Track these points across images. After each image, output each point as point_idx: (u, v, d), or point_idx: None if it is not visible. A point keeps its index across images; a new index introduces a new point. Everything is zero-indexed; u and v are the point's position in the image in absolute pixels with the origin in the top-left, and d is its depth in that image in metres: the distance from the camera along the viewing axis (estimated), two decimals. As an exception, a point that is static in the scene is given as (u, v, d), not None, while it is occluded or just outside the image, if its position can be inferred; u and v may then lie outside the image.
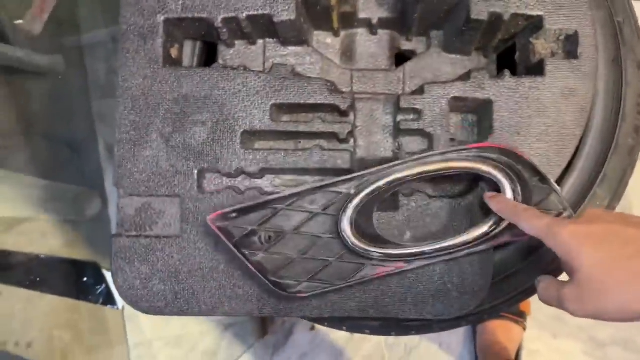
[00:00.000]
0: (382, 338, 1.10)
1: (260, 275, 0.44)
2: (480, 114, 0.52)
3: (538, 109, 0.49)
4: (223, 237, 0.44)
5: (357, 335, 1.10)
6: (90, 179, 1.19)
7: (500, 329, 1.00)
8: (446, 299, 0.48)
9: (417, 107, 0.49)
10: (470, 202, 0.49)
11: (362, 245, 0.44)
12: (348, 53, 0.57)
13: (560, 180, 0.51)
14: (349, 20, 0.55)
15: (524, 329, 1.02)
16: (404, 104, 0.50)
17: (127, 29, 0.51)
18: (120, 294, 0.49)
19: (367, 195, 0.45)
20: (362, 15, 0.55)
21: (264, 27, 0.53)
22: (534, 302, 1.03)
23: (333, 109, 0.51)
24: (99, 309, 1.18)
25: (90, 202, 1.18)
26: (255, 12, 0.50)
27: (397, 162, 0.45)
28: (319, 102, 0.50)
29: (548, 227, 0.40)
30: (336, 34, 0.57)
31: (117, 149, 0.50)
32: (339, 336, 1.10)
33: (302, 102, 0.50)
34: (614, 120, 0.52)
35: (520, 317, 1.01)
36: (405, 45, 0.58)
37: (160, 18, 0.51)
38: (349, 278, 0.45)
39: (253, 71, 0.51)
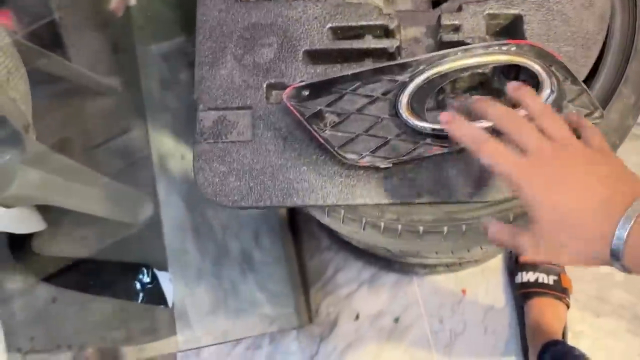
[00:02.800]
0: (426, 325, 1.11)
1: (328, 146, 0.50)
2: (512, 32, 0.59)
3: (563, 19, 0.56)
4: (296, 112, 0.51)
5: (401, 324, 1.11)
6: (143, 186, 1.27)
7: (546, 307, 1.01)
8: (493, 181, 0.53)
9: (456, 22, 0.57)
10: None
11: (418, 122, 0.50)
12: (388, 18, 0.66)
13: (587, 82, 0.56)
14: (390, -32, 0.64)
15: (568, 306, 1.03)
16: (444, 20, 0.57)
17: (202, -23, 0.61)
18: (202, 190, 0.55)
19: (420, 83, 0.51)
20: (402, -38, 0.64)
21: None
22: (575, 281, 1.05)
23: (382, 29, 0.58)
24: (150, 308, 1.23)
25: (143, 206, 1.25)
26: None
27: (445, 51, 0.52)
28: (369, 23, 0.58)
29: (511, 174, 0.41)
30: (379, -19, 0.66)
31: (197, 70, 0.58)
32: (383, 324, 1.12)
33: (354, 24, 0.58)
34: (632, 28, 0.58)
35: (563, 293, 1.02)
36: (441, -7, 0.66)
37: (233, -37, 0.60)
38: (405, 154, 0.51)
39: (312, 0, 0.59)
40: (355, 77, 0.52)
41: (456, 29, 0.57)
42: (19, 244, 1.27)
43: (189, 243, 1.24)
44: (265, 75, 0.57)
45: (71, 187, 1.05)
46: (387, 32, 0.58)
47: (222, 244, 1.22)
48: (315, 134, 0.51)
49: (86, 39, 1.25)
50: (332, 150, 0.51)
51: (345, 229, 0.63)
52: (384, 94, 0.52)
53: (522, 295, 1.05)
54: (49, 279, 1.28)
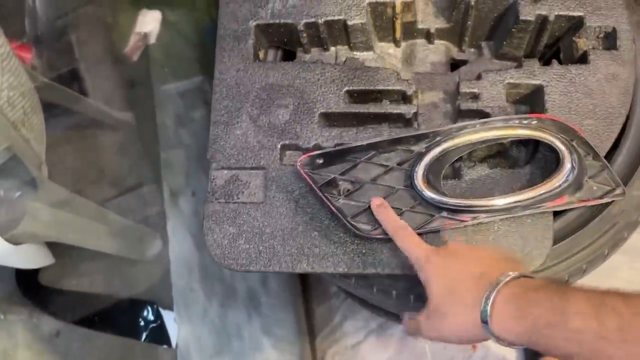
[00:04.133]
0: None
1: (340, 215, 0.49)
2: (532, 101, 0.58)
3: (585, 92, 0.55)
4: (309, 180, 0.50)
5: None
6: (153, 222, 1.27)
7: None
8: (510, 258, 0.51)
9: (475, 90, 0.56)
10: (531, 171, 0.53)
11: (434, 195, 0.49)
12: (408, 60, 0.65)
13: (609, 157, 0.55)
14: (410, 30, 0.64)
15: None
16: (463, 88, 0.56)
17: (223, 33, 0.61)
18: (210, 252, 0.54)
19: (436, 155, 0.50)
20: (421, 25, 0.63)
21: (337, 33, 0.62)
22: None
23: (399, 94, 0.58)
24: (154, 347, 1.21)
25: (152, 243, 1.24)
26: (332, 18, 0.59)
27: (463, 123, 0.51)
28: (387, 87, 0.57)
29: (417, 258, 0.46)
30: (398, 44, 0.65)
31: (212, 128, 0.58)
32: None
33: (372, 88, 0.57)
34: (656, 102, 0.57)
35: None
36: (459, 56, 0.66)
37: (252, 23, 0.60)
38: (419, 227, 0.49)
39: (330, 63, 0.59)
40: (371, 146, 0.51)
41: (475, 97, 0.56)
42: (26, 276, 1.27)
43: (196, 282, 1.22)
44: (280, 136, 0.56)
45: (80, 224, 1.05)
46: (404, 97, 0.58)
47: (229, 284, 1.21)
48: (328, 202, 0.50)
49: (103, 73, 1.26)
50: (344, 220, 0.50)
51: (357, 292, 0.61)
52: (399, 164, 0.51)
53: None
54: (54, 312, 1.27)
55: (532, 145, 0.55)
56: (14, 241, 0.94)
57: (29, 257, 1.04)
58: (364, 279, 0.57)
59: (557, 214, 0.53)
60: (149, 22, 1.25)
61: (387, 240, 0.51)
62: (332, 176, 0.51)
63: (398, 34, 0.64)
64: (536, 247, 0.51)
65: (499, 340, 0.42)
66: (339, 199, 0.50)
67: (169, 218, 1.29)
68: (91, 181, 1.32)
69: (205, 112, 1.31)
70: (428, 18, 0.63)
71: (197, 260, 1.25)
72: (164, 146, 1.32)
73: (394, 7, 0.60)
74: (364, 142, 0.51)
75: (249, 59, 0.59)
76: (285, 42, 0.63)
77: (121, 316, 1.25)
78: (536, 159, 0.54)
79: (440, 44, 0.65)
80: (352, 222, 0.49)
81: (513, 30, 0.59)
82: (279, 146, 0.56)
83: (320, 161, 0.51)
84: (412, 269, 0.47)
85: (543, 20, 0.58)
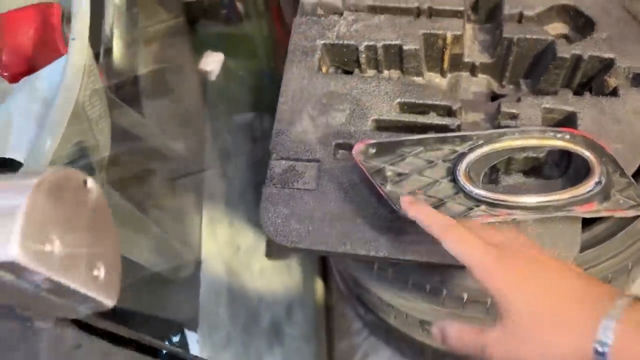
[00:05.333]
0: None
1: (388, 199, 0.55)
2: (565, 126, 0.64)
3: (614, 120, 0.61)
4: (361, 166, 0.56)
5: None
6: (189, 245, 1.32)
7: None
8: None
9: (514, 111, 0.63)
10: (563, 184, 0.58)
11: (474, 189, 0.54)
12: (452, 90, 0.73)
13: (635, 178, 0.60)
14: (456, 62, 0.72)
15: None
16: (504, 107, 0.63)
17: (294, 48, 0.70)
18: (265, 229, 0.60)
19: (477, 156, 0.56)
20: (467, 59, 0.71)
21: (392, 57, 0.70)
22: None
23: (445, 109, 0.64)
24: (173, 368, 1.22)
25: (186, 264, 1.29)
26: (390, 42, 0.68)
27: (503, 130, 0.57)
28: (434, 102, 0.64)
29: (481, 261, 0.39)
30: (444, 74, 0.73)
31: (276, 125, 0.65)
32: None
33: (421, 102, 0.64)
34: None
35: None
36: (499, 90, 0.73)
37: (320, 42, 0.69)
38: (460, 217, 0.54)
39: (385, 78, 0.67)
40: (419, 142, 0.57)
41: (514, 117, 0.63)
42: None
43: (222, 307, 1.25)
44: (335, 135, 0.63)
45: (125, 231, 1.11)
46: (449, 112, 0.64)
47: (254, 312, 1.23)
48: (378, 187, 0.56)
49: (162, 101, 1.37)
50: (391, 203, 0.55)
51: (392, 290, 0.65)
52: (444, 161, 0.57)
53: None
54: (78, 324, 1.30)
55: (565, 163, 0.61)
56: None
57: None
58: (401, 272, 0.61)
59: (584, 226, 0.57)
60: (211, 62, 1.38)
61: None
62: (382, 165, 0.57)
63: (446, 65, 0.72)
64: (564, 251, 0.55)
65: None
66: (387, 185, 0.56)
67: (205, 244, 1.34)
68: (137, 200, 1.39)
69: (251, 147, 1.40)
70: (474, 53, 0.71)
71: (226, 287, 1.29)
72: (209, 176, 1.41)
73: (444, 39, 0.68)
74: (414, 137, 0.57)
75: (314, 70, 0.68)
76: (345, 62, 0.72)
77: (145, 334, 1.27)
78: (568, 175, 0.59)
79: (482, 78, 0.73)
80: (398, 208, 0.54)
81: (550, 67, 0.67)
82: (334, 144, 0.63)
83: (373, 150, 0.57)
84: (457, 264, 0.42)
85: (578, 59, 0.65)
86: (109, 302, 0.28)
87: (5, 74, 1.14)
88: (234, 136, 1.40)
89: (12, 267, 0.21)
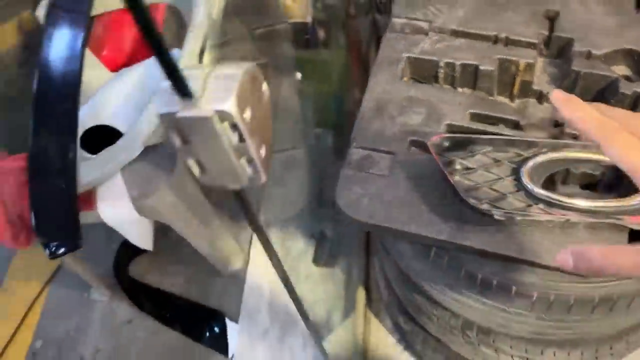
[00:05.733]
0: None
1: (456, 187, 0.62)
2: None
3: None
4: (435, 156, 0.64)
5: None
6: (241, 242, 1.40)
7: None
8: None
9: (576, 132, 0.69)
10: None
11: (535, 187, 0.61)
12: (520, 112, 0.80)
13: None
14: (525, 89, 0.79)
15: None
16: (567, 129, 0.70)
17: (381, 59, 0.79)
18: (340, 206, 0.67)
19: (541, 161, 0.63)
20: (535, 87, 0.79)
21: (468, 76, 0.78)
22: None
23: (512, 123, 0.72)
24: (212, 353, 1.29)
25: (236, 260, 1.37)
26: (468, 62, 0.76)
27: (567, 141, 0.64)
28: (504, 116, 0.72)
29: None
30: (513, 99, 0.81)
31: (358, 119, 0.74)
32: None
33: (491, 114, 0.72)
34: None
35: None
36: (563, 119, 0.80)
37: (405, 55, 0.78)
38: (520, 212, 0.61)
39: (459, 91, 0.75)
40: (489, 142, 0.65)
41: (574, 137, 0.69)
42: (122, 265, 1.42)
43: (264, 305, 1.32)
44: (410, 133, 0.71)
45: (192, 217, 1.20)
46: (516, 126, 0.72)
47: (294, 313, 1.29)
48: (447, 175, 0.63)
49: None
50: (458, 190, 0.62)
51: (441, 283, 0.71)
52: (509, 162, 0.64)
53: None
54: (133, 301, 1.39)
55: (618, 183, 0.67)
56: (139, 211, 1.09)
57: (140, 234, 1.19)
58: (455, 259, 0.67)
59: (631, 240, 0.63)
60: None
61: (489, 220, 0.62)
62: (453, 158, 0.64)
63: (516, 90, 0.79)
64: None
65: None
66: (455, 176, 0.63)
67: (255, 244, 1.42)
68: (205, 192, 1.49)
69: (311, 160, 1.48)
70: (542, 82, 0.79)
71: (269, 287, 1.36)
72: (269, 182, 1.49)
73: (517, 66, 0.76)
74: (486, 137, 0.65)
75: (397, 77, 0.77)
76: (424, 76, 0.80)
77: (190, 318, 1.35)
78: (620, 194, 0.65)
79: (548, 106, 0.80)
80: (464, 196, 0.61)
81: (611, 101, 0.73)
82: (409, 140, 0.71)
83: (447, 144, 0.65)
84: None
85: (638, 97, 0.72)
86: (263, 178, 0.36)
87: (107, 65, 1.28)
88: (296, 148, 1.50)
89: (224, 115, 0.29)
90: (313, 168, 1.48)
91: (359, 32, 1.50)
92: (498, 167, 0.64)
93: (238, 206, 1.30)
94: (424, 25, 0.80)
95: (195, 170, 0.33)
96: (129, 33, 1.33)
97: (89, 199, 1.03)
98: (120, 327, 1.37)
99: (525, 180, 0.62)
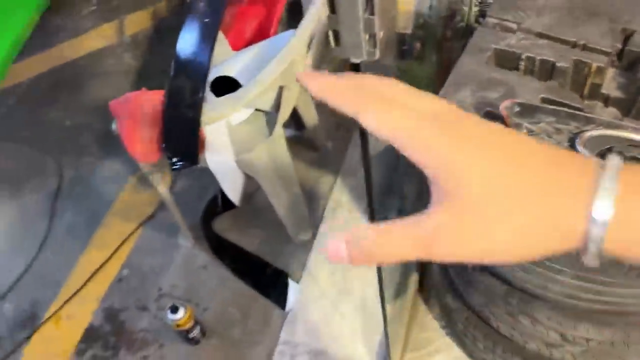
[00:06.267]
0: None
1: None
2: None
3: None
4: (505, 117, 0.76)
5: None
6: (313, 217, 1.56)
7: None
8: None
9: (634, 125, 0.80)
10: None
11: (587, 154, 0.72)
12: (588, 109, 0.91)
13: None
14: (594, 92, 0.91)
15: None
16: (626, 122, 0.81)
17: (472, 46, 0.93)
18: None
19: (596, 135, 0.74)
20: (603, 90, 0.90)
21: (545, 71, 0.91)
22: None
23: (579, 110, 0.83)
24: (271, 306, 1.43)
25: (306, 230, 1.52)
26: (546, 58, 0.89)
27: (622, 122, 0.75)
28: (572, 103, 0.83)
29: (417, 133, 0.28)
30: (582, 99, 0.92)
31: (444, 87, 0.88)
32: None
33: (560, 100, 0.84)
34: None
35: None
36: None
37: (492, 46, 0.92)
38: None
39: (531, 77, 0.87)
40: (554, 113, 0.77)
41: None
42: (208, 219, 1.60)
43: (324, 273, 1.45)
44: (487, 104, 0.85)
45: (277, 178, 1.37)
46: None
47: (349, 285, 1.41)
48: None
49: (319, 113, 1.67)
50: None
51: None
52: (568, 132, 0.75)
53: None
54: (212, 251, 1.57)
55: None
56: (238, 163, 1.28)
57: (232, 186, 1.37)
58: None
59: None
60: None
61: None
62: (521, 122, 0.77)
63: (586, 90, 0.91)
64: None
65: (610, 251, 0.26)
66: (521, 136, 0.76)
67: (325, 220, 1.57)
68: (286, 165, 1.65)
69: (387, 158, 1.62)
70: (611, 87, 0.90)
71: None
72: (345, 168, 1.65)
73: (590, 67, 0.88)
74: (552, 107, 0.77)
75: (482, 62, 0.90)
76: (507, 66, 0.94)
77: (258, 273, 1.50)
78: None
79: (612, 110, 0.91)
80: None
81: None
82: (485, 110, 0.84)
83: (517, 109, 0.78)
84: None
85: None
86: (377, 55, 0.49)
87: (230, 45, 1.51)
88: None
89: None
90: (385, 163, 1.62)
91: (452, 54, 1.64)
92: (558, 134, 0.75)
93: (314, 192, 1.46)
94: (513, 25, 0.94)
95: (332, 40, 0.47)
96: (249, 25, 1.57)
97: (201, 145, 1.23)
98: (197, 271, 1.55)
99: (580, 148, 0.73)
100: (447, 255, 0.28)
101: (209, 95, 1.19)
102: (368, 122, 0.29)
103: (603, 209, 0.25)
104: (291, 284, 1.45)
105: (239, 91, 1.13)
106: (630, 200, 0.26)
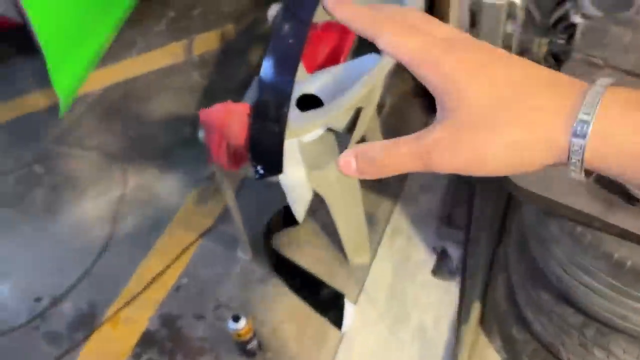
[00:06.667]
0: None
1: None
2: None
3: None
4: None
5: None
6: (371, 241, 1.57)
7: None
8: None
9: None
10: None
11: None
12: None
13: None
14: None
15: None
16: None
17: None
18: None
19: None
20: None
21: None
22: None
23: None
24: (326, 325, 1.44)
25: (363, 254, 1.54)
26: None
27: None
28: None
29: (426, 53, 0.31)
30: None
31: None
32: None
33: None
34: None
35: None
36: None
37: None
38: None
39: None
40: None
41: None
42: (269, 233, 1.63)
43: (382, 295, 1.46)
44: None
45: (343, 197, 1.40)
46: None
47: (406, 312, 1.42)
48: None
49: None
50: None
51: (576, 261, 0.83)
52: None
53: None
54: (271, 266, 1.59)
55: None
56: (308, 178, 1.31)
57: (298, 201, 1.41)
58: (596, 237, 0.80)
59: None
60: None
61: (637, 203, 0.75)
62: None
63: None
64: None
65: (591, 163, 0.28)
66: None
67: (382, 245, 1.59)
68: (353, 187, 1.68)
69: (444, 183, 1.64)
70: None
71: (389, 283, 1.51)
72: (405, 195, 1.67)
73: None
74: None
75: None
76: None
77: (315, 292, 1.52)
78: None
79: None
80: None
81: None
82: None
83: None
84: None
85: None
86: None
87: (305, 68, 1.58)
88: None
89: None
90: (445, 194, 1.64)
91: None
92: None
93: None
94: (599, 62, 0.97)
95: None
96: (323, 50, 1.64)
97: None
98: (255, 284, 1.57)
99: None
100: (442, 165, 0.30)
101: (293, 110, 1.24)
102: (385, 44, 0.32)
103: (582, 122, 0.27)
104: (347, 305, 1.46)
105: (321, 109, 1.18)
106: (612, 115, 0.27)
